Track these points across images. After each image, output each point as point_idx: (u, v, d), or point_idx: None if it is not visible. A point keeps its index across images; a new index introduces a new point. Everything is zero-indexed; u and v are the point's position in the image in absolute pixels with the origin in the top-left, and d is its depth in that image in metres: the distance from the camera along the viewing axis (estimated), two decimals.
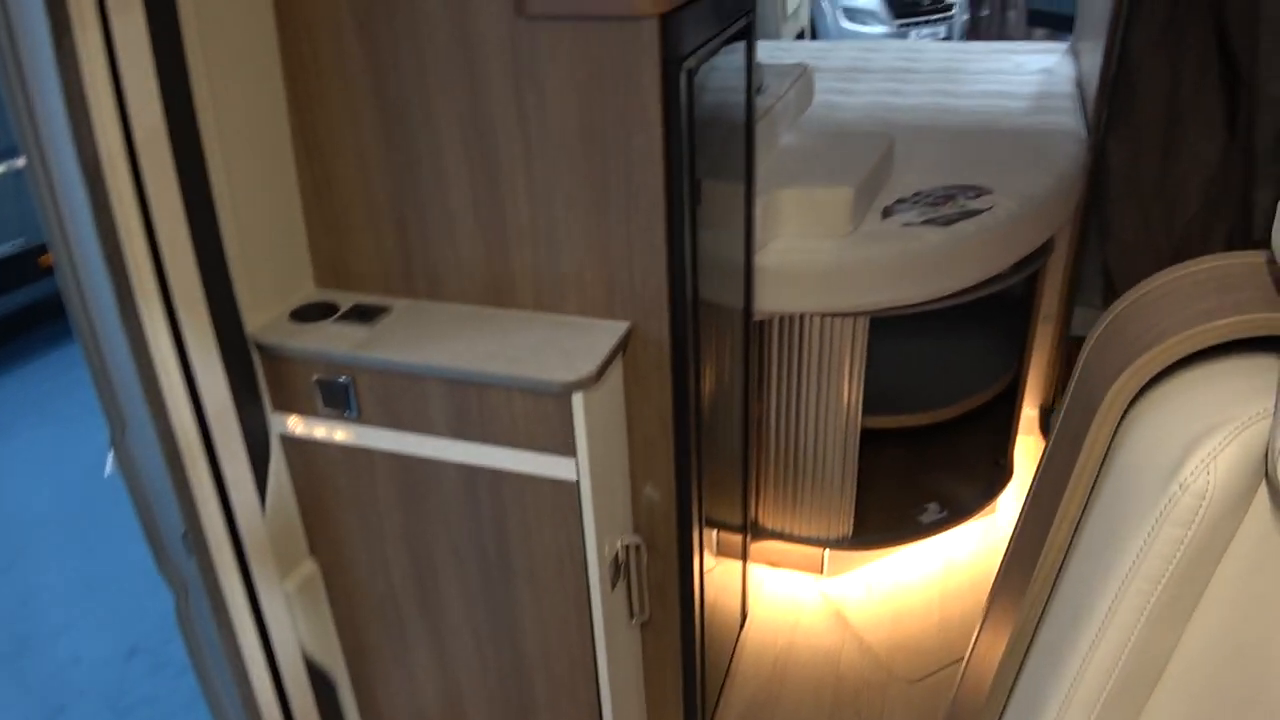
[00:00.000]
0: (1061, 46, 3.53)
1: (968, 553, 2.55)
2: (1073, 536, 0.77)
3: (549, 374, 1.40)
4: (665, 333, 1.51)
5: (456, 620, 1.70)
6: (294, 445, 1.62)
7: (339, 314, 1.59)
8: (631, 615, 1.72)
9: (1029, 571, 0.82)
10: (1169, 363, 0.68)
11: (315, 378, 1.53)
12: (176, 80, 1.30)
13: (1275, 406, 0.64)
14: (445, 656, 1.75)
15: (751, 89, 1.74)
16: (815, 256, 1.97)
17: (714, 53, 1.51)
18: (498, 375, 1.42)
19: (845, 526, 2.38)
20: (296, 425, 1.59)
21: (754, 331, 2.09)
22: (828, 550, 2.45)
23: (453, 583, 1.65)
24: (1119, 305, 0.79)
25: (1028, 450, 2.84)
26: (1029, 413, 2.97)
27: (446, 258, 1.57)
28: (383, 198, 1.56)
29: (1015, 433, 2.65)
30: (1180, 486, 0.64)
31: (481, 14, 1.36)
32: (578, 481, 1.47)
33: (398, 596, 1.71)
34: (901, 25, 8.93)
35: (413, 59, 1.43)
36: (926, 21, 9.06)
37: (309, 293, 1.66)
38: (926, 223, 2.04)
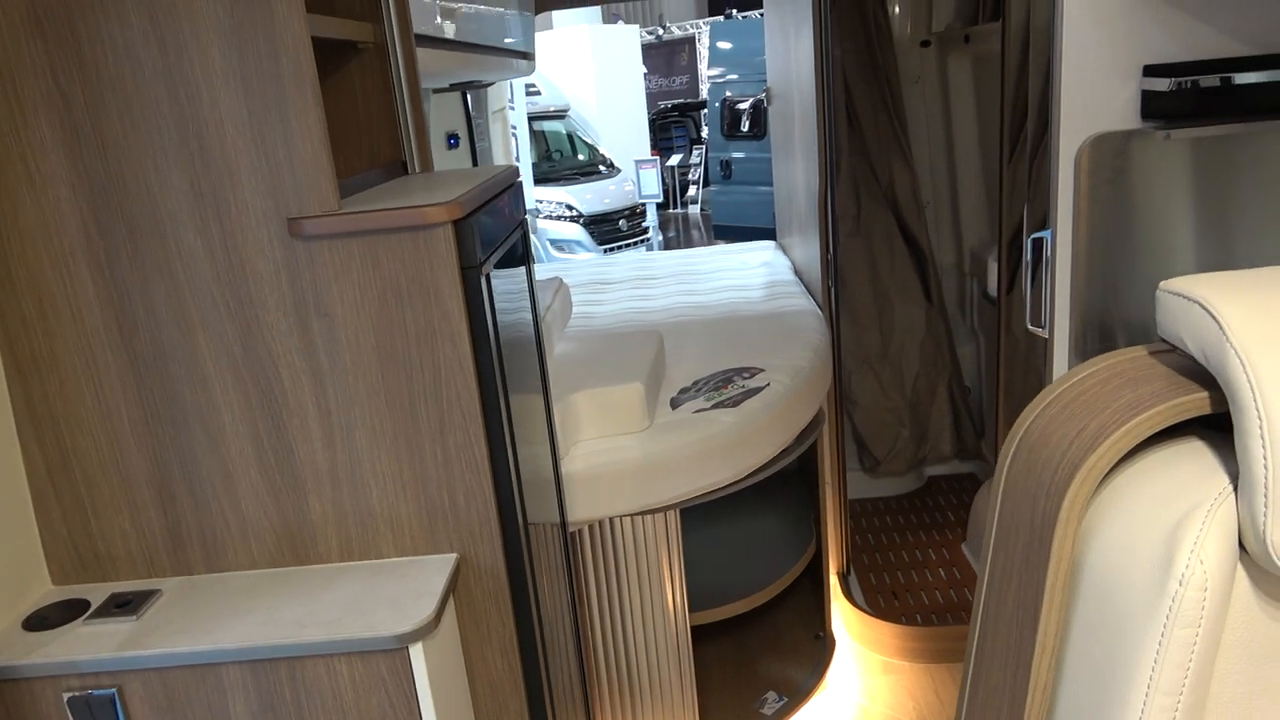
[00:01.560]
0: (770, 244, 3.91)
1: None
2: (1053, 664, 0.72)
3: (378, 627, 1.19)
4: (499, 558, 1.36)
5: None
6: None
7: (91, 611, 1.29)
8: None
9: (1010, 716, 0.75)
10: (1119, 457, 0.67)
11: (67, 697, 1.21)
12: None
13: (1234, 481, 0.64)
14: None
15: (535, 296, 1.72)
16: (620, 455, 1.91)
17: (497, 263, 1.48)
18: (313, 643, 1.19)
19: None
20: None
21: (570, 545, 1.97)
22: None
23: None
24: (1023, 425, 0.79)
25: (841, 616, 2.85)
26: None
27: (226, 521, 1.34)
28: (139, 465, 1.32)
29: (828, 602, 2.66)
30: (1180, 582, 0.60)
31: (248, 242, 1.24)
32: None
33: None
34: (607, 250, 9.64)
35: (169, 302, 1.27)
36: (629, 244, 9.87)
37: (45, 593, 1.35)
38: (716, 406, 2.07)
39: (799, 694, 2.42)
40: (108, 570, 1.36)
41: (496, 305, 1.37)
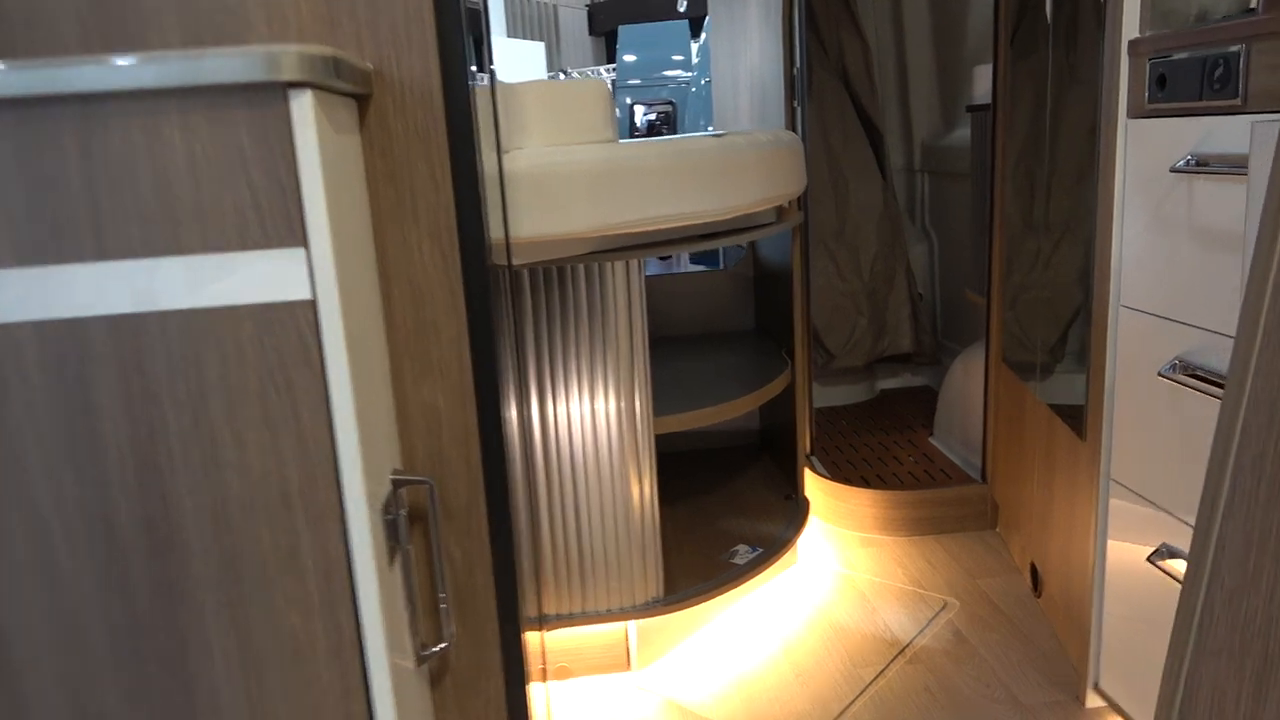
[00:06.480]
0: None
1: (782, 605, 2.00)
2: None
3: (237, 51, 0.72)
4: (433, 71, 0.90)
5: None
6: None
7: None
8: (419, 644, 0.94)
9: None
10: None
11: None
12: None
13: None
14: None
15: None
16: (581, 156, 1.48)
17: None
18: (122, 70, 0.71)
19: (654, 584, 1.74)
20: None
21: (513, 291, 1.51)
22: (634, 624, 1.76)
23: (42, 635, 0.78)
24: None
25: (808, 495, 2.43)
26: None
27: None
28: None
29: (801, 468, 2.24)
30: None
31: None
32: (314, 299, 0.75)
33: None
34: None
35: None
36: None
37: None
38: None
39: (773, 546, 1.98)
40: None
41: None
